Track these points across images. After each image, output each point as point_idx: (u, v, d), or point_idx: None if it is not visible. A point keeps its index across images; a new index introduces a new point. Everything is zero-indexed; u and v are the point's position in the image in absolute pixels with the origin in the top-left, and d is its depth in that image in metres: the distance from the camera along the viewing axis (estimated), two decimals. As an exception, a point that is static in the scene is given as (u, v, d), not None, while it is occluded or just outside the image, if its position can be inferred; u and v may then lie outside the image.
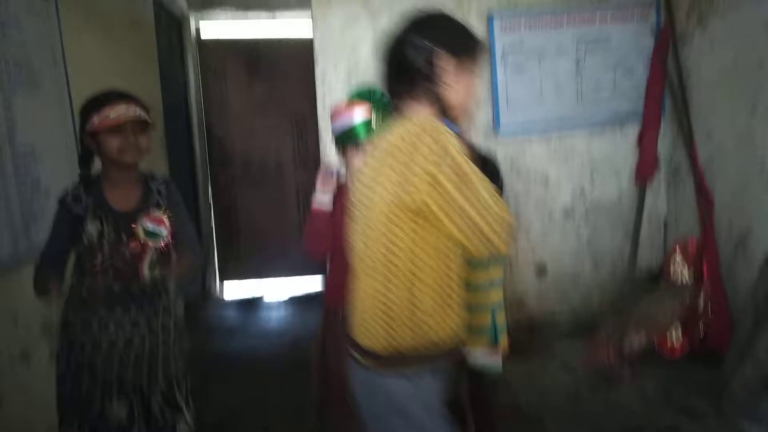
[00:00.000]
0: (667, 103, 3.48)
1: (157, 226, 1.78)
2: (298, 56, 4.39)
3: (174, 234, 1.81)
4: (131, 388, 1.80)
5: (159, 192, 1.87)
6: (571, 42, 3.47)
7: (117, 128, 1.71)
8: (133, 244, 1.75)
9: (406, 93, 1.31)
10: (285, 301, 4.58)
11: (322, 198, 1.80)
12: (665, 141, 3.55)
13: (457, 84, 1.29)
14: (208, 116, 4.58)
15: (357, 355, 1.33)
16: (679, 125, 3.35)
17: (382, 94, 1.78)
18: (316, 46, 3.41)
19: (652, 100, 3.42)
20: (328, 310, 1.91)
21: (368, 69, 3.42)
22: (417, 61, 1.27)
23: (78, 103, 2.44)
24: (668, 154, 3.58)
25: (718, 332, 2.90)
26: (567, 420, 2.52)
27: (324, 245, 1.83)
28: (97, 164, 1.83)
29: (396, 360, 1.27)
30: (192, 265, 1.93)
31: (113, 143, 1.72)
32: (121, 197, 1.80)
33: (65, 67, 2.41)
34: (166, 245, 1.80)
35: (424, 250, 1.22)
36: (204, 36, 4.55)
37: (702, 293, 3.00)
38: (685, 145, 3.30)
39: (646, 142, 3.44)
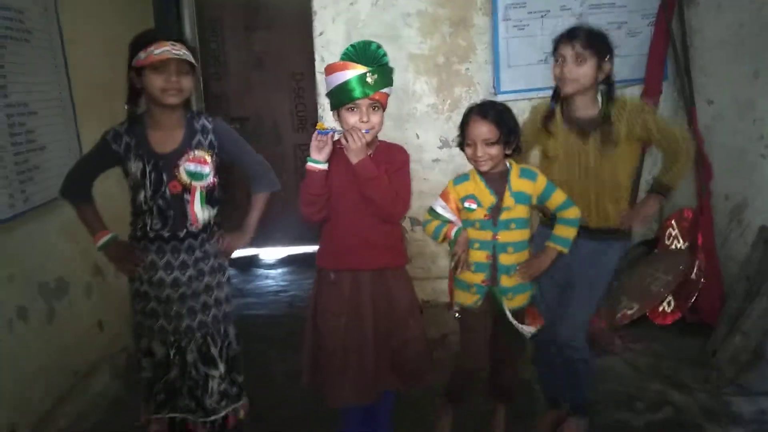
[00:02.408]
0: (670, 66, 3.42)
1: (200, 166, 1.83)
2: (297, 9, 4.28)
3: (220, 172, 1.87)
4: (171, 330, 1.88)
5: (204, 131, 1.88)
6: (575, 0, 3.39)
7: (161, 67, 1.72)
8: (174, 186, 1.80)
9: None
10: (282, 260, 4.61)
11: (318, 158, 1.75)
12: (666, 105, 3.50)
13: None
14: (204, 71, 4.50)
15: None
16: (680, 90, 3.31)
17: (379, 48, 1.74)
18: (314, -1, 3.33)
19: (655, 62, 3.36)
20: (322, 271, 1.91)
21: (368, 24, 3.36)
22: None
23: (71, 55, 2.42)
24: (669, 120, 3.54)
25: (710, 303, 2.93)
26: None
27: (320, 207, 1.81)
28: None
29: None
30: (267, 198, 2.03)
31: (156, 82, 1.73)
32: (163, 138, 1.83)
33: (58, 17, 2.35)
34: (213, 184, 1.86)
35: None
36: (201, -14, 4.42)
37: (696, 263, 3.02)
38: (685, 110, 3.27)
39: (646, 107, 3.41)
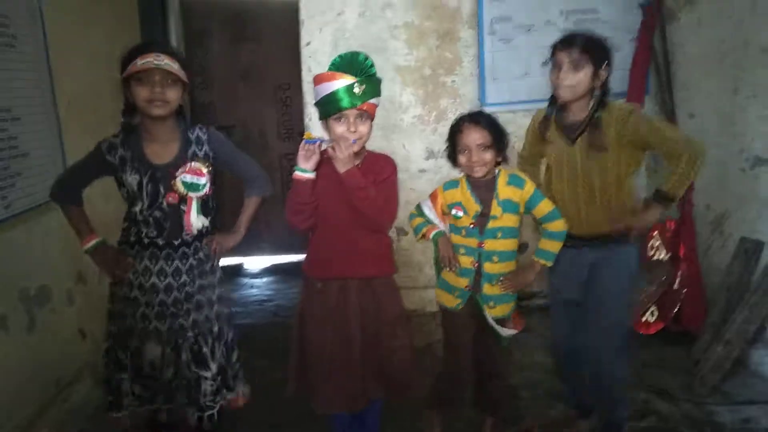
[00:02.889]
0: (652, 80, 3.48)
1: (196, 177, 1.85)
2: (284, 20, 4.29)
3: (213, 183, 1.90)
4: (165, 331, 1.89)
5: (198, 141, 1.89)
6: (559, 14, 3.44)
7: (145, 78, 1.74)
8: (171, 197, 1.82)
9: None
10: (266, 269, 4.59)
11: (305, 167, 1.75)
12: (649, 120, 3.56)
13: None
14: (190, 81, 4.48)
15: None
16: (662, 104, 3.37)
17: (367, 59, 1.75)
18: (302, 8, 3.35)
19: (637, 77, 3.42)
20: (309, 280, 1.90)
21: (355, 35, 3.38)
22: None
23: (56, 62, 2.40)
24: (668, 124, 3.59)
25: (693, 312, 2.96)
26: (543, 395, 2.58)
27: (307, 216, 1.80)
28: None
29: None
30: (259, 201, 2.06)
31: (141, 93, 1.75)
32: (158, 150, 1.85)
33: (43, 26, 2.34)
34: (207, 195, 1.88)
35: None
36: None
37: (678, 273, 3.06)
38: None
39: (629, 120, 3.45)
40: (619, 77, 3.44)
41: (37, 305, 2.24)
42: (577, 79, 1.92)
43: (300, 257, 1.95)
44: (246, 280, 4.36)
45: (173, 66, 1.77)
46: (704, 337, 2.73)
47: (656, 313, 3.10)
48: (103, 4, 2.99)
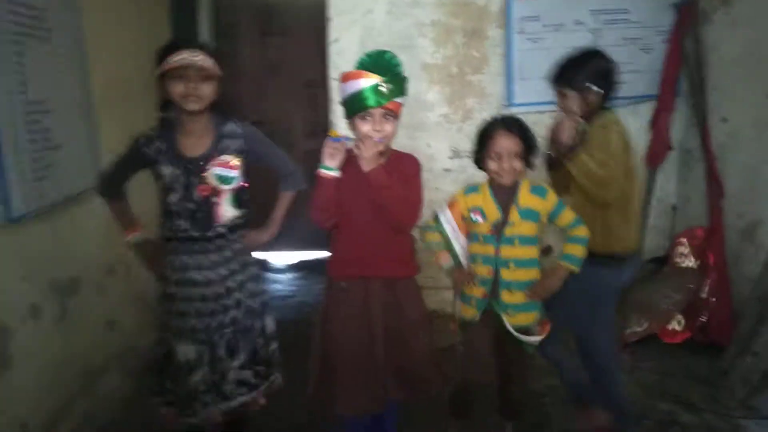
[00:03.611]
0: (683, 83, 3.42)
1: (227, 170, 1.88)
2: (313, 15, 4.29)
3: (248, 176, 1.92)
4: (203, 328, 1.90)
5: (232, 135, 1.93)
6: (589, 14, 3.39)
7: (180, 74, 1.77)
8: (202, 188, 1.85)
9: None
10: (290, 265, 4.62)
11: (330, 165, 1.76)
12: (679, 124, 3.50)
13: None
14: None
15: None
16: (694, 107, 3.30)
17: (394, 58, 1.74)
18: (330, 5, 3.35)
19: (669, 79, 3.36)
20: (332, 280, 1.91)
21: (383, 32, 3.37)
22: None
23: (91, 54, 2.45)
24: (681, 137, 3.53)
25: (720, 322, 2.90)
26: (564, 403, 2.54)
27: (331, 214, 1.81)
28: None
29: None
30: (294, 196, 2.09)
31: (176, 89, 1.79)
32: (192, 143, 1.88)
33: (79, 17, 2.38)
34: (240, 187, 1.89)
35: None
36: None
37: (706, 282, 3.00)
38: (698, 128, 3.26)
39: (659, 123, 3.40)
40: (650, 79, 3.42)
41: (68, 296, 2.29)
42: (567, 105, 2.04)
43: (324, 254, 1.95)
44: (270, 276, 4.40)
45: (207, 62, 1.81)
46: (732, 348, 2.67)
47: (682, 322, 3.05)
48: (136, -1, 3.03)
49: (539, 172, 2.12)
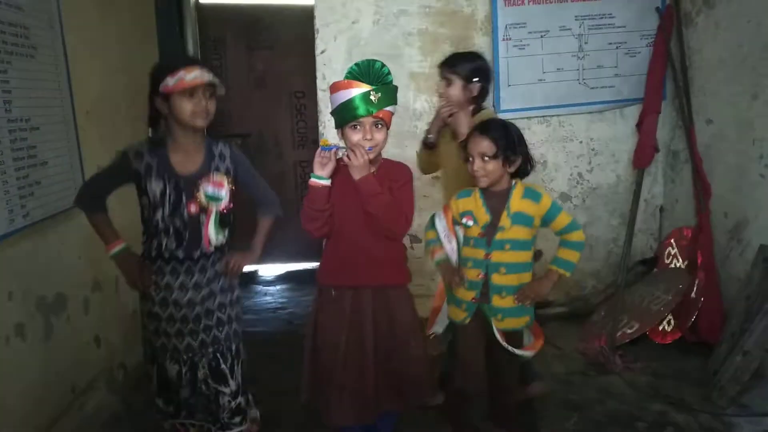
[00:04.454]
0: (669, 86, 3.45)
1: (218, 189, 1.88)
2: (299, 27, 4.31)
3: (234, 197, 1.92)
4: (183, 348, 1.90)
5: (221, 156, 1.93)
6: (575, 19, 3.43)
7: (191, 92, 1.77)
8: (192, 206, 1.84)
9: None
10: (280, 276, 4.59)
11: (320, 174, 1.76)
12: (665, 126, 3.53)
13: None
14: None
15: None
16: (679, 109, 3.33)
17: (383, 67, 1.75)
18: (317, 16, 3.36)
19: (654, 82, 3.40)
20: (323, 288, 1.90)
21: (370, 42, 3.38)
22: None
23: (75, 71, 2.43)
24: (667, 140, 3.56)
25: (710, 322, 2.92)
26: (558, 405, 2.55)
27: (322, 223, 1.81)
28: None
29: None
30: (272, 223, 2.09)
31: (186, 106, 1.78)
32: (184, 160, 1.88)
33: (62, 34, 2.37)
34: (227, 208, 1.91)
35: None
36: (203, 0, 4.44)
37: (695, 282, 3.02)
38: (684, 130, 3.29)
39: (645, 126, 3.43)
40: (635, 83, 3.45)
41: (54, 313, 2.26)
42: (449, 92, 2.31)
43: (314, 265, 1.95)
44: (260, 288, 4.37)
45: (216, 80, 1.83)
46: (722, 347, 2.69)
47: (672, 323, 3.06)
48: (121, 13, 3.02)
49: (532, 175, 2.13)
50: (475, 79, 2.27)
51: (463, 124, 2.26)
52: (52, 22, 2.31)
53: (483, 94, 2.35)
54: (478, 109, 2.34)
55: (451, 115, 2.30)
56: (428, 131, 2.41)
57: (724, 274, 3.01)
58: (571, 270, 1.95)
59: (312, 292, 1.97)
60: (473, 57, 2.38)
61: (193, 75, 1.76)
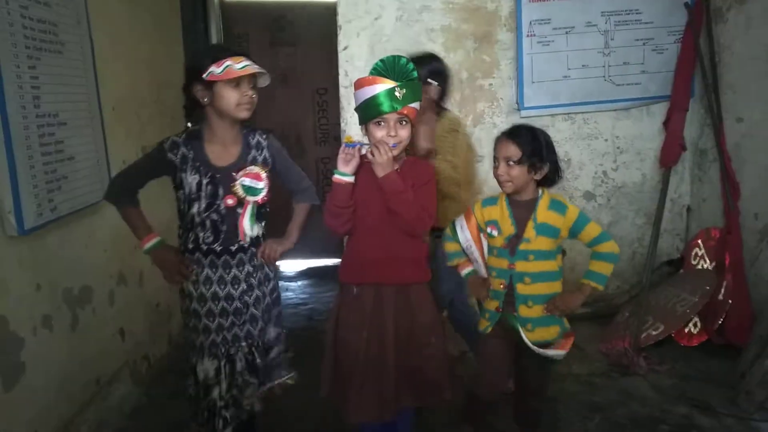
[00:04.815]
0: (697, 83, 3.38)
1: (255, 181, 1.85)
2: (322, 24, 4.33)
3: (270, 189, 1.89)
4: (220, 343, 1.88)
5: (258, 147, 1.91)
6: (601, 15, 3.37)
7: (237, 82, 1.75)
8: (229, 199, 1.82)
9: None
10: (302, 272, 4.62)
11: (344, 170, 1.75)
12: (693, 124, 3.47)
13: None
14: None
15: None
16: (708, 107, 3.27)
17: (408, 63, 1.73)
18: (340, 13, 3.36)
19: (682, 79, 3.33)
20: (345, 285, 1.90)
21: (392, 39, 3.37)
22: None
23: (102, 67, 2.47)
24: (695, 138, 3.49)
25: (737, 325, 2.86)
26: (579, 407, 2.52)
27: (345, 219, 1.80)
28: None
29: None
30: (308, 209, 2.07)
31: (233, 96, 1.76)
32: (220, 152, 1.86)
33: (89, 30, 2.40)
34: (264, 200, 1.88)
35: None
36: (227, -1, 4.48)
37: (723, 283, 2.95)
38: (713, 128, 3.22)
39: (672, 124, 3.37)
40: (662, 80, 3.39)
41: (80, 305, 2.30)
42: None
43: (335, 261, 1.95)
44: (282, 284, 4.39)
45: (263, 70, 1.80)
46: (750, 350, 2.63)
47: (699, 325, 3.01)
48: (146, 10, 3.06)
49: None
50: (432, 81, 2.26)
51: (425, 131, 2.11)
52: (79, 18, 2.34)
53: (442, 95, 2.36)
54: (439, 111, 2.32)
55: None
56: None
57: (753, 275, 2.94)
58: (604, 283, 1.87)
59: (333, 288, 1.98)
60: (428, 58, 2.36)
61: (243, 65, 1.73)
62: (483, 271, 2.00)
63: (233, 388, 1.91)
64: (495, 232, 1.91)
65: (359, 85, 1.75)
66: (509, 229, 1.88)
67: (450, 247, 2.04)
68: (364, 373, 1.81)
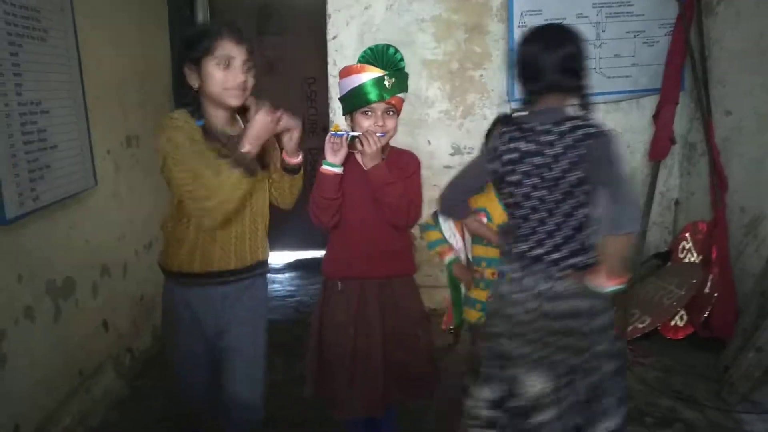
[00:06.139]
0: (687, 76, 3.38)
1: None
2: (310, 13, 4.27)
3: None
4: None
5: None
6: (592, 7, 3.36)
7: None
8: None
9: None
10: (288, 264, 4.59)
11: (332, 161, 1.70)
12: (682, 117, 3.47)
13: None
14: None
15: None
16: (697, 101, 3.27)
17: (397, 52, 1.70)
18: (329, 2, 3.33)
19: (672, 72, 3.33)
20: (328, 280, 1.87)
21: (382, 28, 3.34)
22: None
23: (86, 55, 2.42)
24: (684, 131, 3.50)
25: (723, 318, 2.88)
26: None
27: (333, 212, 1.75)
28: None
29: None
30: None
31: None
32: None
33: (74, 20, 2.35)
34: None
35: None
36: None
37: (709, 277, 2.97)
38: (702, 122, 3.22)
39: (662, 117, 3.36)
40: (653, 72, 3.39)
41: (63, 297, 2.27)
42: None
43: (322, 253, 1.91)
44: (268, 276, 4.36)
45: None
46: (734, 343, 2.65)
47: (685, 318, 3.03)
48: (132, -4, 3.01)
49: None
50: None
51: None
52: (63, 5, 2.29)
53: None
54: None
55: None
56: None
57: (738, 269, 2.96)
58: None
59: (320, 280, 1.94)
60: None
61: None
62: (463, 258, 1.99)
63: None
64: (484, 220, 1.89)
65: (346, 72, 1.72)
66: (501, 215, 1.86)
67: (431, 235, 2.02)
68: (353, 369, 1.78)
